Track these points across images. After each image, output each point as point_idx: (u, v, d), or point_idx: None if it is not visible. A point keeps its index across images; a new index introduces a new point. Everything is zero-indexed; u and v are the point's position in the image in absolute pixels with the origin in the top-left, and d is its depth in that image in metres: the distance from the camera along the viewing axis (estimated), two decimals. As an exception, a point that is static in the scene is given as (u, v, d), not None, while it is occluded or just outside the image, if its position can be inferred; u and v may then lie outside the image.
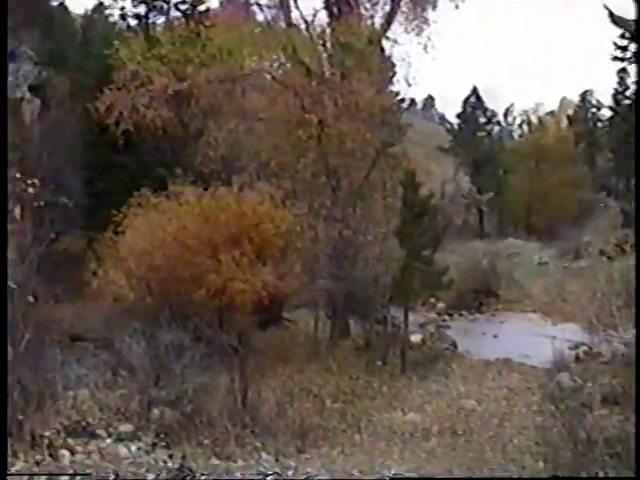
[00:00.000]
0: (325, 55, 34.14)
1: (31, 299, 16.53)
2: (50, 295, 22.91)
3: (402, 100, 44.40)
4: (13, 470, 13.66)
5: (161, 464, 15.75)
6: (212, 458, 17.28)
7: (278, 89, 33.51)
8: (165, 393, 19.50)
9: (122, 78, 31.33)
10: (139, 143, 38.24)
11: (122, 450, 16.20)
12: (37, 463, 14.27)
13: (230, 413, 19.93)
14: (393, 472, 18.16)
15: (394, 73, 38.75)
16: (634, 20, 24.72)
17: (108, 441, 16.74)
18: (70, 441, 15.98)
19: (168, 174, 30.60)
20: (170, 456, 16.49)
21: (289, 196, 29.12)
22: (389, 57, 37.58)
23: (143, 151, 40.14)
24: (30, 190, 16.89)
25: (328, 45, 34.12)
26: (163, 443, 17.49)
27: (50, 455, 14.74)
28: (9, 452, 14.26)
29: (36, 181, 17.19)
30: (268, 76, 34.69)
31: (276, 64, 34.22)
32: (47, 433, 15.62)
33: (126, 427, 17.77)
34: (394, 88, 39.95)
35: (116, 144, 35.03)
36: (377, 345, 30.48)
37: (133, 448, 16.49)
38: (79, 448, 15.78)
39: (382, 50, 36.45)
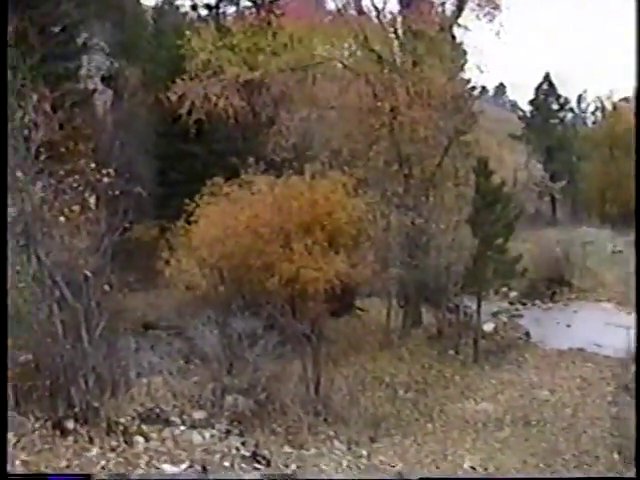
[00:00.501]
0: (396, 42, 33.91)
1: (107, 287, 16.69)
2: (123, 283, 23.13)
3: (473, 87, 43.88)
4: (89, 455, 13.84)
5: (234, 451, 15.84)
6: (285, 446, 17.34)
7: (349, 77, 33.39)
8: (238, 381, 19.62)
9: (194, 68, 31.50)
10: (211, 132, 38.46)
11: (196, 437, 16.32)
12: (112, 449, 14.44)
13: (303, 401, 19.99)
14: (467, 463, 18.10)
15: (465, 60, 38.39)
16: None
17: (182, 428, 16.89)
18: (144, 428, 16.16)
19: (240, 163, 30.60)
20: (243, 443, 16.58)
21: (361, 184, 28.88)
22: (460, 44, 37.19)
23: (215, 140, 40.30)
24: (105, 180, 17.07)
25: (399, 32, 33.88)
26: (236, 430, 17.60)
27: (125, 442, 14.90)
28: (85, 438, 14.46)
29: (111, 171, 17.38)
30: (339, 64, 34.56)
31: (347, 52, 34.08)
32: (122, 420, 15.80)
33: (200, 414, 17.94)
34: (465, 75, 39.64)
35: (188, 133, 35.30)
36: (449, 334, 30.30)
37: (207, 435, 16.61)
38: (153, 435, 15.93)
39: (453, 37, 36.10)
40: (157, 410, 17.59)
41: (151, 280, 31.77)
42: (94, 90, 45.53)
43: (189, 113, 32.15)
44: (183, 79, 31.75)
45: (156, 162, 42.68)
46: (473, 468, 18.16)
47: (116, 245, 17.53)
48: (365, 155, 32.34)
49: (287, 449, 17.07)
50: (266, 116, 36.16)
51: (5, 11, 10.99)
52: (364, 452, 18.32)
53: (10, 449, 13.28)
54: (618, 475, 14.90)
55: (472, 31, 35.58)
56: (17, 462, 12.75)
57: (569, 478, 13.80)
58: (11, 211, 16.55)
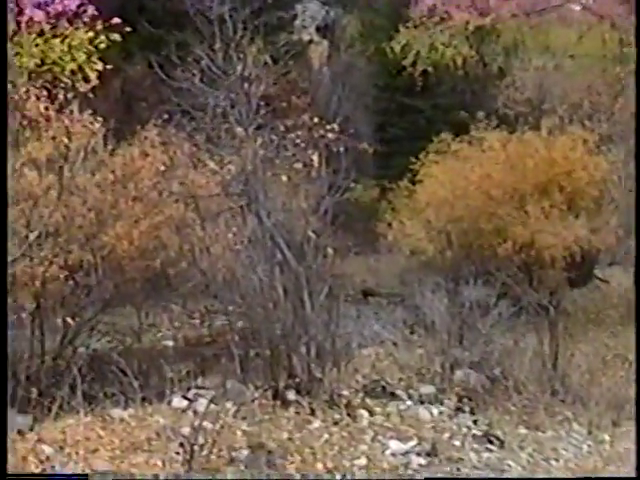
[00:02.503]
0: (649, -21, 32.57)
1: (330, 250, 16.87)
2: (342, 247, 23.42)
3: None
4: (311, 428, 14.07)
5: (464, 430, 15.73)
6: (520, 427, 17.06)
7: (591, 21, 32.35)
8: (469, 354, 19.43)
9: (418, 15, 31.24)
10: (436, 85, 38.37)
11: (423, 413, 16.30)
12: (335, 423, 14.61)
13: (539, 379, 19.59)
14: None
15: None
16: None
17: (408, 403, 16.90)
18: (368, 401, 16.30)
19: (469, 118, 30.44)
20: (475, 422, 16.43)
21: (604, 141, 28.11)
22: None
23: (440, 93, 40.23)
24: (329, 136, 17.25)
25: (652, -33, 32.54)
26: (467, 408, 17.43)
27: (348, 415, 15.06)
28: (307, 410, 14.72)
29: (335, 126, 17.54)
30: (578, 7, 33.58)
31: (589, -7, 33.07)
32: (345, 392, 15.98)
33: (427, 389, 17.87)
34: None
35: (411, 86, 35.28)
36: (700, 309, 29.14)
37: (435, 412, 16.55)
38: (378, 409, 16.04)
39: None
40: (382, 383, 17.69)
41: (371, 244, 32.14)
42: (309, 41, 46.18)
43: (413, 64, 31.99)
44: (407, 27, 31.56)
45: (376, 117, 43.01)
46: None
47: (335, 206, 17.67)
48: (609, 108, 31.35)
49: (522, 430, 16.78)
50: (497, 67, 35.57)
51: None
52: (606, 437, 17.78)
53: (230, 418, 13.67)
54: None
55: None
56: (238, 432, 13.07)
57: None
58: (231, 169, 17.01)
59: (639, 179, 20.02)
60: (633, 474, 12.59)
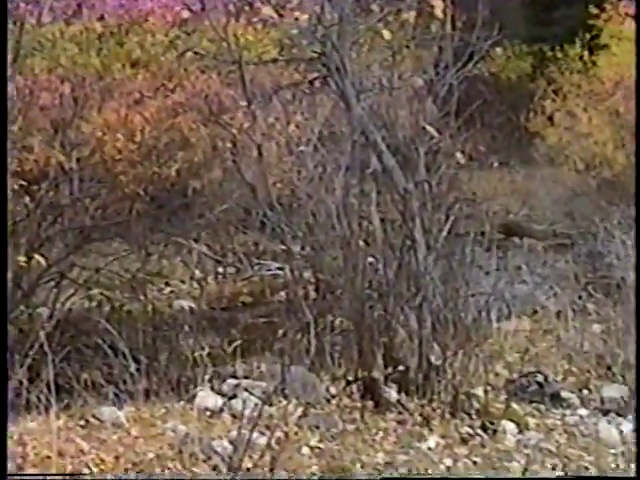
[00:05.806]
0: None
1: (459, 157, 16.77)
2: (476, 153, 23.39)
3: None
4: (422, 448, 14.08)
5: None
6: None
7: None
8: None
9: None
10: None
11: (606, 430, 16.16)
12: (463, 441, 14.62)
13: None
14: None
15: None
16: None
17: (582, 412, 16.82)
18: (516, 407, 16.19)
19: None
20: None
21: None
22: None
23: None
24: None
25: None
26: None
27: (483, 428, 15.02)
28: (417, 418, 14.77)
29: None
30: None
31: None
32: (477, 391, 15.93)
33: (613, 390, 17.76)
34: None
35: None
36: None
37: (625, 428, 16.41)
38: (532, 420, 15.96)
39: None
40: (537, 378, 17.58)
41: (519, 149, 31.98)
42: None
43: None
44: None
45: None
46: None
47: (465, 85, 17.57)
48: None
49: None
50: None
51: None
52: None
53: (292, 427, 13.69)
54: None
55: None
56: (306, 450, 13.09)
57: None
58: (298, 19, 16.90)
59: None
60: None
